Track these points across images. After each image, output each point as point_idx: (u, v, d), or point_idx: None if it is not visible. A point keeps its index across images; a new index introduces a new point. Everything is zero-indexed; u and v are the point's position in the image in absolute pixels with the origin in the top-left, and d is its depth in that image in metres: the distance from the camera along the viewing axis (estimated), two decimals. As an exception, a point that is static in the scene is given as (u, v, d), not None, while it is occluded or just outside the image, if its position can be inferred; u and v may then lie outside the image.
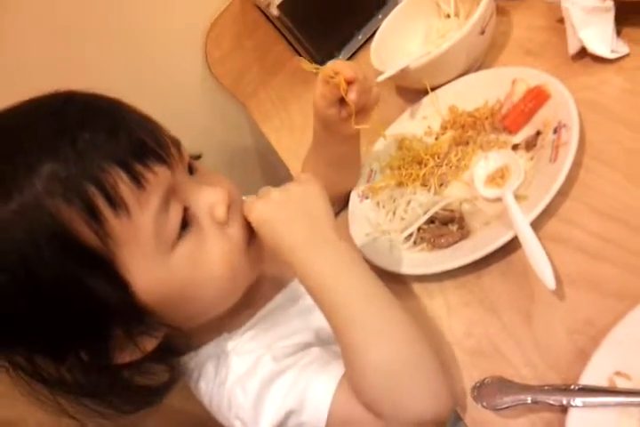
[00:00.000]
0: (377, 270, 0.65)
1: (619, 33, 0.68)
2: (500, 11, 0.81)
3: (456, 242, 0.64)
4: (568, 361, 0.50)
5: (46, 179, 0.44)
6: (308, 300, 0.56)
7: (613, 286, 0.52)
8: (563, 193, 0.59)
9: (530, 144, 0.66)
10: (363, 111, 0.65)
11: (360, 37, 1.05)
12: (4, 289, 0.44)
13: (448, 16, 0.87)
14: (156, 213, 0.48)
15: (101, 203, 0.45)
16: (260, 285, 0.62)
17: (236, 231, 0.54)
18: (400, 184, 0.75)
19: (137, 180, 0.46)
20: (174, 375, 0.58)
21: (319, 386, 0.53)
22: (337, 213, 0.80)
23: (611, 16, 0.67)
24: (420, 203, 0.70)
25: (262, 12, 1.08)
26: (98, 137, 0.46)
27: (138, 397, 0.54)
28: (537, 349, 0.53)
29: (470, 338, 0.58)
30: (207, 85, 1.25)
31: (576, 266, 0.55)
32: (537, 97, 0.67)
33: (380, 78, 0.75)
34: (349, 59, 1.06)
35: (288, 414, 0.53)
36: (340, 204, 0.80)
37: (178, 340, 0.58)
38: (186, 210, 0.51)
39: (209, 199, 0.53)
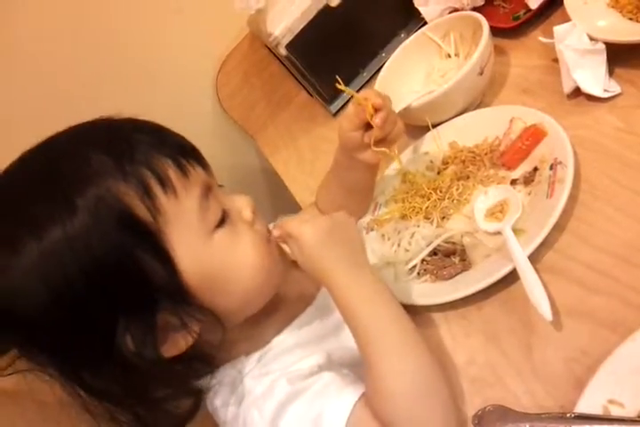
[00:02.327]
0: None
1: (610, 73, 0.70)
2: (498, 51, 0.84)
3: (458, 274, 0.67)
4: (565, 389, 0.52)
5: (107, 168, 0.50)
6: (322, 325, 0.59)
7: (607, 317, 0.54)
8: (559, 227, 0.61)
9: (528, 180, 0.69)
10: (385, 142, 0.69)
11: (365, 74, 1.08)
12: (63, 257, 0.48)
13: (449, 56, 0.90)
14: (200, 199, 0.54)
15: (153, 182, 0.51)
16: (275, 312, 0.64)
17: (261, 228, 0.61)
18: (404, 217, 0.78)
19: (183, 169, 0.53)
20: (198, 402, 0.60)
21: (335, 409, 0.54)
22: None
23: (603, 58, 0.70)
24: (423, 235, 0.73)
25: (271, 50, 1.12)
26: (148, 138, 0.54)
27: (164, 418, 0.57)
28: (536, 377, 0.55)
29: (472, 366, 0.60)
30: (217, 118, 1.30)
31: (572, 297, 0.57)
32: (533, 135, 0.69)
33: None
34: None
35: None
36: None
37: (207, 347, 0.59)
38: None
39: (238, 203, 0.60)
